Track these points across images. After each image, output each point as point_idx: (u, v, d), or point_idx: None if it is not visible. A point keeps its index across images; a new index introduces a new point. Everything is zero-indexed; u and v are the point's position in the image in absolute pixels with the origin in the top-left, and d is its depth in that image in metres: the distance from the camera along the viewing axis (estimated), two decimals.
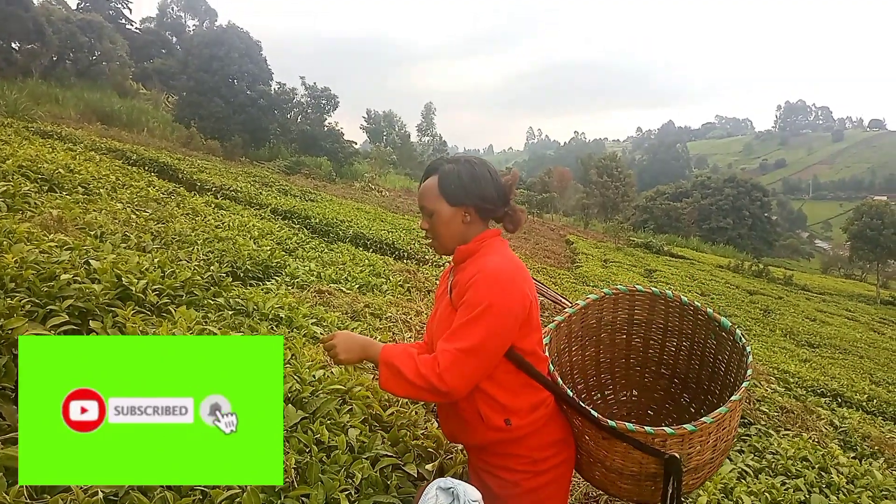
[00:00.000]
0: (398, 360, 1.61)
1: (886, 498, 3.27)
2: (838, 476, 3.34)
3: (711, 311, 1.98)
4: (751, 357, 1.82)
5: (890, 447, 4.74)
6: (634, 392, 2.26)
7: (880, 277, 33.61)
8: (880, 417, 6.79)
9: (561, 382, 1.76)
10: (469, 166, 1.73)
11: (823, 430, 4.88)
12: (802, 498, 3.05)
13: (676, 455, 1.61)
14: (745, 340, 1.86)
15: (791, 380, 7.03)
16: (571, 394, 1.76)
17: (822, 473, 3.43)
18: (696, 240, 40.89)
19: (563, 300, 2.11)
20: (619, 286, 2.10)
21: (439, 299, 1.86)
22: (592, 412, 1.69)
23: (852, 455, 4.31)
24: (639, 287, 2.08)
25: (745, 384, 1.73)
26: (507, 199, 1.76)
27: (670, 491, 1.63)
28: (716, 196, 47.75)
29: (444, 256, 1.85)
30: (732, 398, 1.68)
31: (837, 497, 3.05)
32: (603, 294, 2.09)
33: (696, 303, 2.02)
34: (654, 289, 2.10)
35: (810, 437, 4.37)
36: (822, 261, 49.73)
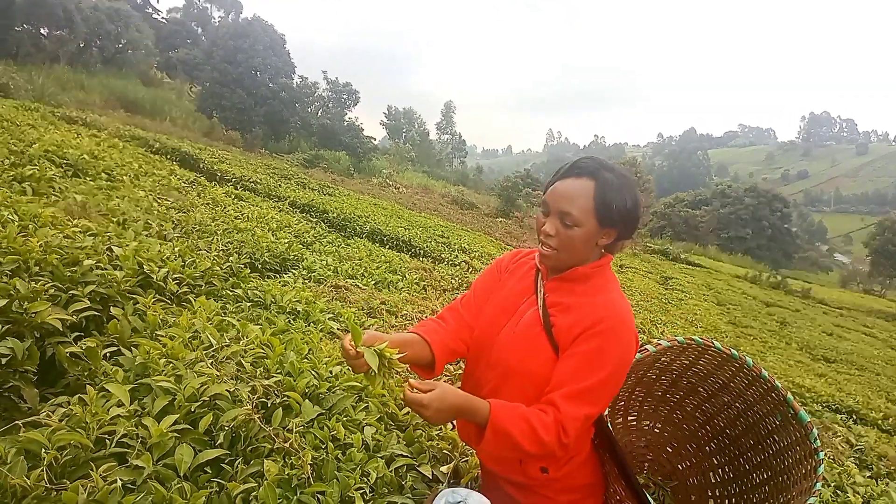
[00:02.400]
0: (511, 425, 1.41)
1: None
2: (854, 496, 3.28)
3: (791, 396, 1.79)
4: (822, 464, 1.64)
5: None
6: (658, 424, 2.17)
7: None
8: None
9: (624, 454, 1.62)
10: (631, 185, 1.50)
11: (839, 447, 4.81)
12: None
13: None
14: (819, 443, 1.67)
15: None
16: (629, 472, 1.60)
17: (839, 492, 3.37)
18: (713, 249, 40.49)
19: None
20: (694, 337, 1.91)
21: (512, 303, 1.65)
22: (651, 500, 1.54)
23: (868, 474, 4.24)
24: (716, 344, 1.89)
25: (811, 501, 1.54)
26: None
27: None
28: (735, 205, 47.31)
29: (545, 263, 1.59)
30: (816, 488, 1.53)
31: None
32: (675, 342, 1.90)
33: (777, 382, 1.82)
34: (732, 350, 1.88)
35: (826, 455, 4.31)
36: (841, 275, 49.01)
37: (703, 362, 1.95)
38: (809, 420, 1.71)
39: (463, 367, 1.79)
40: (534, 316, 1.56)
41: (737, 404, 1.94)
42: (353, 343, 1.42)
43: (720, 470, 2.03)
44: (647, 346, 1.82)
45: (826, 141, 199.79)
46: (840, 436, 5.14)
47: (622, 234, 1.52)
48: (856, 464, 4.41)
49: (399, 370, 1.50)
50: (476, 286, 1.79)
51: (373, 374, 1.41)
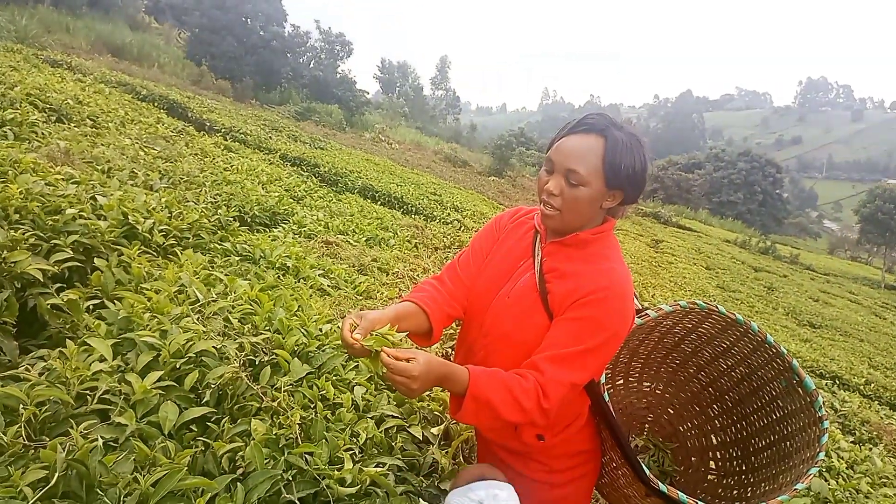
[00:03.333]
0: (491, 392, 1.34)
1: (885, 485, 3.26)
2: (839, 461, 3.32)
3: (796, 363, 1.73)
4: (826, 432, 1.60)
5: (889, 433, 4.74)
6: (660, 386, 2.14)
7: (886, 262, 33.41)
8: (877, 402, 6.80)
9: (618, 425, 1.59)
10: (640, 147, 1.41)
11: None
12: (807, 485, 3.04)
13: None
14: (824, 412, 1.63)
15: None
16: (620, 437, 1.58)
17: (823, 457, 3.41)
18: (704, 212, 40.59)
19: None
20: (697, 301, 1.86)
21: (508, 265, 1.57)
22: (646, 469, 1.50)
23: (851, 440, 4.31)
24: (720, 308, 1.84)
25: (813, 471, 1.52)
26: None
27: None
28: (728, 169, 47.31)
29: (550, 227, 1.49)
30: (797, 487, 1.49)
31: (837, 482, 3.04)
32: (678, 306, 1.86)
33: (783, 348, 1.76)
34: (737, 315, 1.83)
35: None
36: (829, 241, 49.47)
37: (706, 326, 1.91)
38: (815, 388, 1.67)
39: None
40: (530, 281, 1.49)
41: (740, 368, 1.91)
42: (357, 336, 1.34)
43: (722, 433, 2.01)
44: (649, 312, 1.77)
45: (822, 107, 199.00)
46: (825, 401, 5.21)
47: (628, 197, 1.44)
48: (840, 429, 4.48)
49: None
50: (474, 245, 1.71)
51: (376, 357, 1.33)
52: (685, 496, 1.43)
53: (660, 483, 1.45)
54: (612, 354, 1.43)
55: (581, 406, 1.59)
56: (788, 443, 1.73)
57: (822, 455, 1.55)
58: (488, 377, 1.37)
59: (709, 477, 1.99)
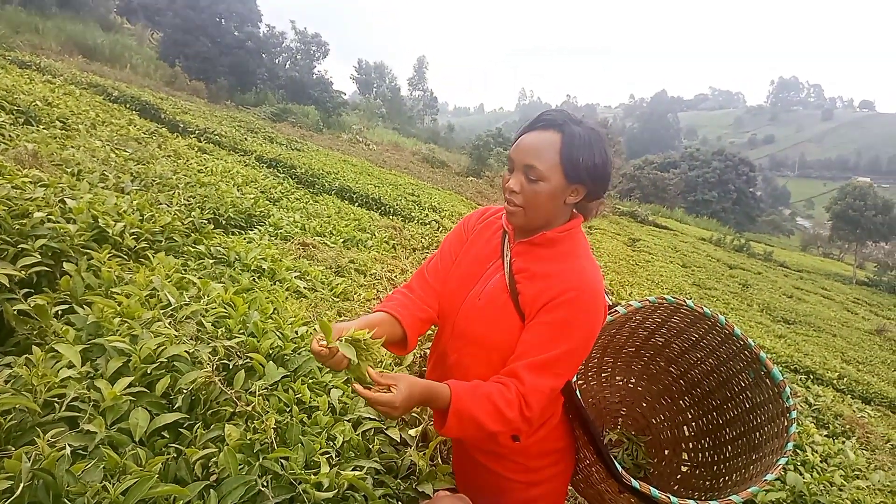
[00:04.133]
0: (474, 407, 1.34)
1: (858, 478, 3.32)
2: (813, 454, 3.37)
3: (764, 355, 1.77)
4: (795, 422, 1.63)
5: (861, 426, 4.83)
6: (632, 380, 2.17)
7: (858, 258, 34.10)
8: (849, 395, 6.93)
9: (592, 421, 1.59)
10: (600, 140, 1.41)
11: (798, 407, 4.94)
12: (777, 475, 3.08)
13: None
14: (792, 402, 1.67)
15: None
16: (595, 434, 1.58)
17: (798, 451, 3.46)
18: (680, 211, 41.10)
19: None
20: (666, 297, 1.88)
21: (477, 267, 1.57)
22: (618, 466, 1.51)
23: (825, 433, 4.38)
24: (688, 302, 1.87)
25: (782, 461, 1.54)
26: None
27: None
28: (703, 168, 48.00)
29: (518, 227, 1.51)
30: (767, 478, 1.51)
31: (811, 475, 3.08)
32: (647, 302, 1.87)
33: (750, 340, 1.81)
34: (705, 309, 1.87)
35: (799, 415, 4.42)
36: (802, 238, 50.30)
37: (675, 320, 1.94)
38: (782, 379, 1.70)
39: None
40: (500, 283, 1.49)
41: (709, 360, 1.94)
42: (323, 343, 1.29)
43: (693, 423, 2.03)
44: (618, 308, 1.79)
45: (793, 106, 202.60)
46: (799, 396, 5.29)
47: (591, 191, 1.44)
48: (813, 423, 4.55)
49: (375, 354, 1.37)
50: (443, 248, 1.70)
51: (354, 364, 1.31)
52: (657, 492, 1.43)
53: (632, 480, 1.46)
54: (587, 353, 1.43)
55: (555, 405, 1.59)
56: (758, 433, 1.76)
57: (790, 445, 1.57)
58: (470, 391, 1.36)
59: (682, 469, 2.01)
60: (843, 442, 4.03)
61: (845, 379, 7.41)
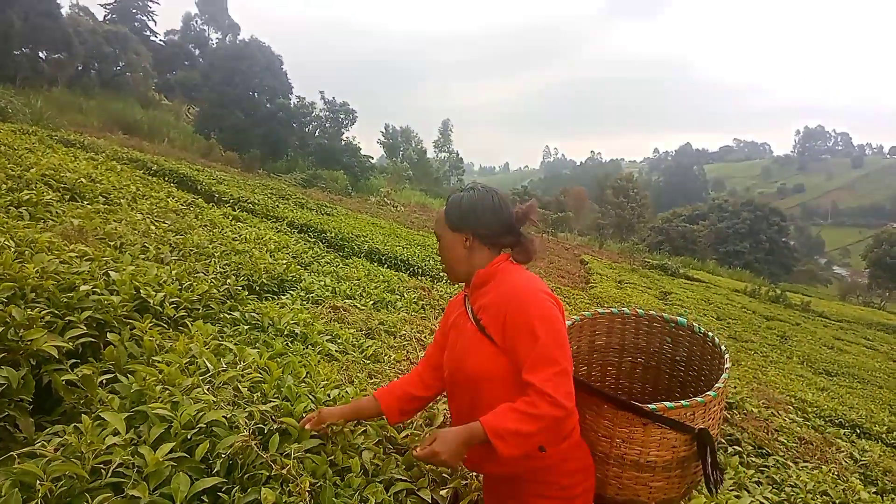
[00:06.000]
0: (506, 422, 1.55)
1: None
2: None
3: (666, 314, 2.20)
4: (717, 339, 2.02)
5: None
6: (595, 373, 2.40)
7: None
8: None
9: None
10: (472, 193, 1.79)
11: (843, 462, 4.76)
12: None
13: (704, 427, 1.73)
14: (704, 330, 2.07)
15: (809, 409, 6.89)
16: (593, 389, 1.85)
17: None
18: (712, 263, 40.45)
19: None
20: (584, 312, 2.26)
21: (456, 328, 1.85)
22: (634, 403, 1.76)
23: (873, 490, 4.20)
24: (600, 310, 2.26)
25: (726, 355, 1.93)
26: (514, 228, 1.79)
27: (710, 460, 1.73)
28: (733, 219, 47.49)
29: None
30: (726, 367, 1.87)
31: None
32: (573, 321, 2.20)
33: (652, 312, 2.24)
34: (612, 308, 2.27)
35: (830, 470, 4.27)
36: (840, 287, 49.03)
37: (598, 333, 2.30)
38: (688, 321, 2.12)
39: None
40: (469, 325, 1.77)
41: (640, 358, 2.30)
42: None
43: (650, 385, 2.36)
44: (575, 317, 2.22)
45: (822, 154, 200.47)
46: (843, 451, 5.10)
47: (479, 232, 1.77)
48: (860, 479, 4.37)
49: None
50: (437, 332, 2.03)
51: None
52: (671, 403, 1.72)
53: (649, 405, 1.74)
54: (564, 333, 1.65)
55: (573, 420, 1.77)
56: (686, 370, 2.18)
57: (724, 347, 1.96)
58: (498, 413, 1.57)
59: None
60: (893, 499, 3.87)
61: (895, 433, 7.10)
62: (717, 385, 1.78)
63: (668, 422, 1.70)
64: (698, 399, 1.70)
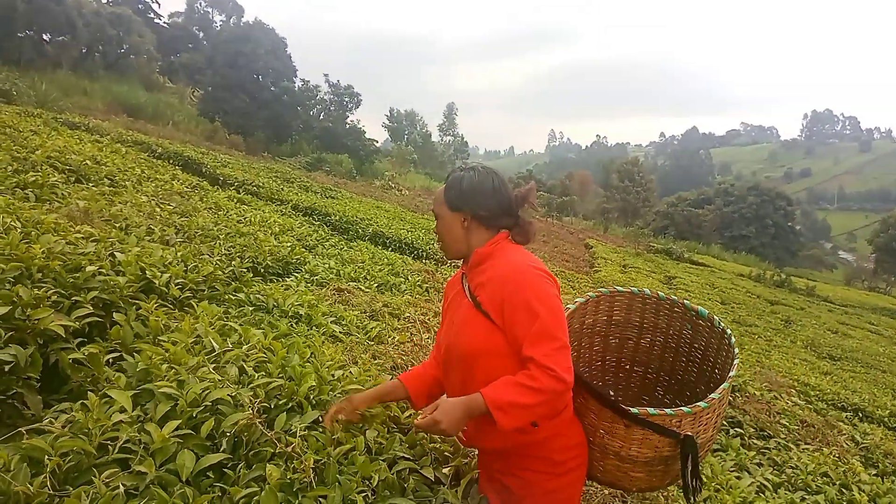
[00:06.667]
0: (507, 394, 1.56)
1: None
2: (860, 493, 3.27)
3: (689, 302, 2.13)
4: (734, 339, 1.95)
5: None
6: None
7: None
8: None
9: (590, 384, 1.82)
10: (473, 174, 1.79)
11: (845, 445, 4.79)
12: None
13: (691, 434, 1.70)
14: (724, 325, 2.01)
15: (812, 392, 6.91)
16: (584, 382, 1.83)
17: (844, 490, 3.37)
18: (717, 247, 40.33)
19: None
20: (601, 289, 2.23)
21: (454, 307, 1.86)
22: (619, 404, 1.75)
23: (874, 472, 4.23)
24: (619, 288, 2.23)
25: (736, 361, 1.86)
26: (513, 210, 1.80)
27: (690, 468, 1.72)
28: (738, 204, 47.23)
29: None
30: (730, 374, 1.81)
31: None
32: (588, 298, 2.20)
33: (674, 297, 2.17)
34: (633, 288, 2.23)
35: (831, 453, 4.29)
36: (845, 272, 48.83)
37: (616, 310, 2.28)
38: (708, 313, 2.07)
39: None
40: (466, 302, 1.78)
41: (659, 339, 2.27)
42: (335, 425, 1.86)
43: (661, 385, 2.33)
44: (578, 299, 2.19)
45: (829, 139, 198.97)
46: (845, 434, 5.12)
47: (477, 212, 1.77)
48: (861, 462, 4.39)
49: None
50: (442, 316, 2.02)
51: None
52: (654, 409, 1.69)
53: (632, 408, 1.71)
54: (561, 309, 1.66)
55: (566, 398, 1.77)
56: (702, 364, 2.14)
57: (736, 351, 1.90)
58: (499, 385, 1.59)
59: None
60: (893, 481, 3.89)
61: None
62: (711, 396, 1.75)
63: (652, 426, 1.70)
64: (684, 409, 1.68)
